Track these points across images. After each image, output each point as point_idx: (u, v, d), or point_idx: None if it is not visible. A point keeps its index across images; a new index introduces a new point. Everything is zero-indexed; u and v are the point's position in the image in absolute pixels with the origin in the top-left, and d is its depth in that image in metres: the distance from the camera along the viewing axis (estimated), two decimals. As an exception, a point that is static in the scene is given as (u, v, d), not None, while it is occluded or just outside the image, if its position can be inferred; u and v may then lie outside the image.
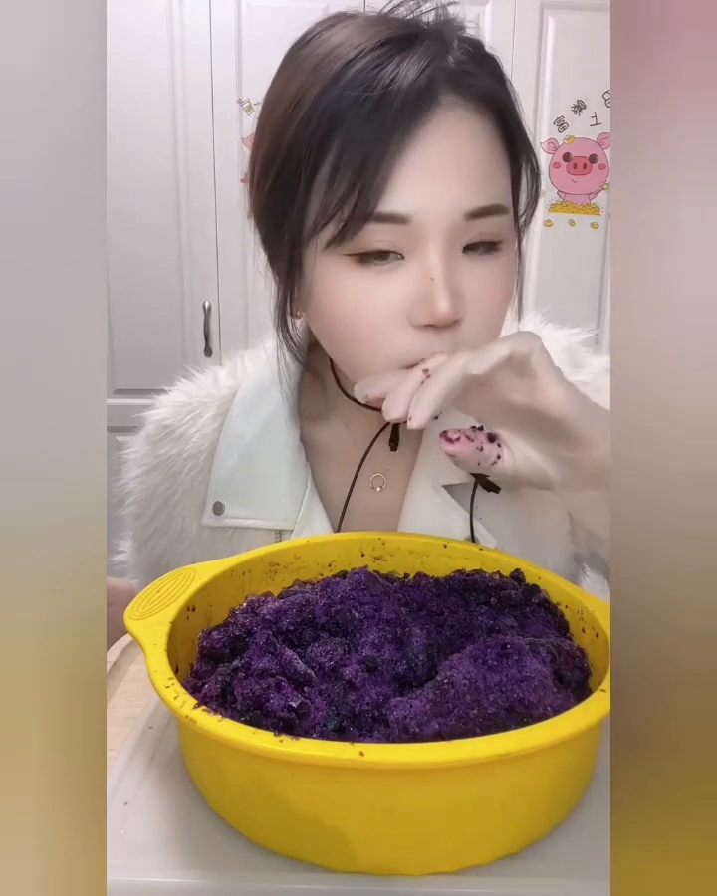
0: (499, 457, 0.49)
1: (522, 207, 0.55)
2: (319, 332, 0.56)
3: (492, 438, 0.49)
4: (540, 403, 0.45)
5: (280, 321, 0.58)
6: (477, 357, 0.44)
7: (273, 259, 0.56)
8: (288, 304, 0.56)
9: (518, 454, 0.49)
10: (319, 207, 0.48)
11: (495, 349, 0.44)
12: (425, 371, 0.46)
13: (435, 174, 0.47)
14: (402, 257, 0.49)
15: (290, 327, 0.59)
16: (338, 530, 0.63)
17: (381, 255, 0.49)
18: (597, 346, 0.69)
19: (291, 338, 0.60)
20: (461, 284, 0.49)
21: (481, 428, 0.50)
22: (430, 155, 0.47)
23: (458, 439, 0.48)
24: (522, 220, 0.56)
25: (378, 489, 0.65)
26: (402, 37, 0.47)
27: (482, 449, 0.48)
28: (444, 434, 0.48)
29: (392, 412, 0.45)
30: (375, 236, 0.48)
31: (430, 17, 0.50)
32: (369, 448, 0.63)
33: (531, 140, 0.53)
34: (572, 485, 0.49)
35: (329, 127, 0.46)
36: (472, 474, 0.62)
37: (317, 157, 0.47)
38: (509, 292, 0.53)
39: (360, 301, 0.50)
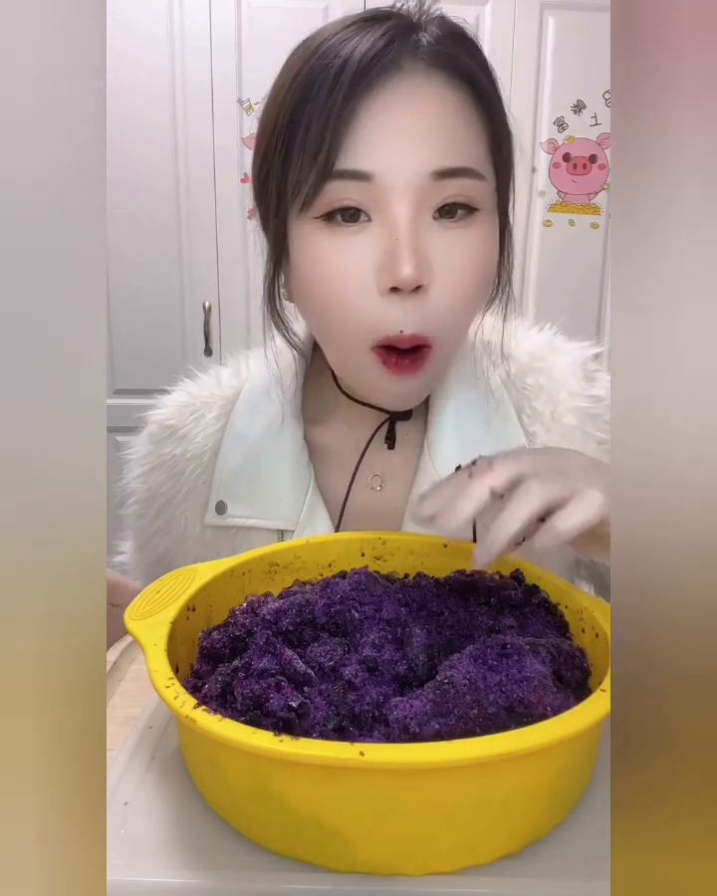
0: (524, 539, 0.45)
1: (502, 180, 0.55)
2: (300, 307, 0.57)
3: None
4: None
5: (267, 295, 0.59)
6: (550, 533, 0.40)
7: (265, 236, 0.57)
8: (276, 280, 0.58)
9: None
10: (293, 176, 0.50)
11: (573, 522, 0.39)
12: (492, 489, 0.41)
13: (398, 133, 0.48)
14: (370, 219, 0.49)
15: (278, 303, 0.60)
16: (338, 530, 0.63)
17: (350, 216, 0.49)
18: (602, 362, 0.69)
19: (281, 318, 0.61)
20: (429, 250, 0.49)
21: None
22: (392, 116, 0.48)
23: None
24: (509, 199, 0.56)
25: (378, 489, 0.65)
26: (373, 17, 0.50)
27: (519, 545, 0.44)
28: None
29: (448, 525, 0.41)
30: (341, 196, 0.49)
31: (418, 14, 0.52)
32: (366, 448, 0.63)
33: (509, 117, 0.54)
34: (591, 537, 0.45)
35: (301, 99, 0.49)
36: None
37: (291, 130, 0.49)
38: (484, 266, 0.53)
39: (330, 264, 0.50)
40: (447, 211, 0.50)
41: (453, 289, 0.50)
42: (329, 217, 0.50)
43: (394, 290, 0.49)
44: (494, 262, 0.54)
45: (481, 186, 0.51)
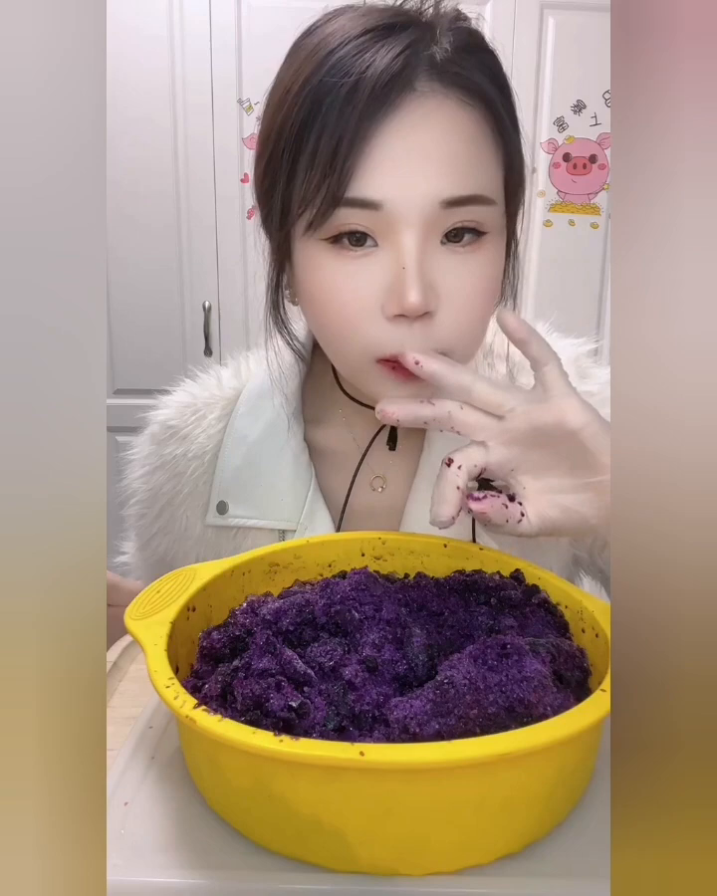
0: (523, 515, 0.46)
1: (512, 201, 0.54)
2: (306, 319, 0.57)
3: (512, 497, 0.47)
4: (556, 416, 0.44)
5: (271, 304, 0.58)
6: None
7: (269, 241, 0.56)
8: (280, 288, 0.57)
9: (545, 503, 0.46)
10: (299, 193, 0.49)
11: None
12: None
13: (409, 161, 0.47)
14: (377, 244, 0.49)
15: (282, 312, 0.59)
16: (339, 530, 0.63)
17: (356, 240, 0.49)
18: (599, 357, 0.69)
19: (284, 324, 0.60)
20: (436, 275, 0.48)
21: (499, 491, 0.48)
22: (403, 142, 0.47)
23: (484, 498, 0.46)
24: (517, 217, 0.55)
25: (379, 490, 0.65)
26: (387, 25, 0.48)
27: (507, 506, 0.46)
28: (470, 495, 0.46)
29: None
30: (348, 222, 0.48)
31: (430, 9, 0.50)
32: (368, 448, 0.63)
33: (522, 135, 0.53)
34: (604, 516, 0.46)
35: (309, 114, 0.47)
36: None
37: (298, 143, 0.48)
38: (491, 287, 0.52)
39: (335, 286, 0.50)
40: (455, 235, 0.49)
41: (459, 312, 0.50)
42: (335, 240, 0.49)
43: (400, 315, 0.48)
44: (500, 277, 0.53)
45: (491, 211, 0.50)
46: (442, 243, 0.49)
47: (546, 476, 0.46)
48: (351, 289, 0.49)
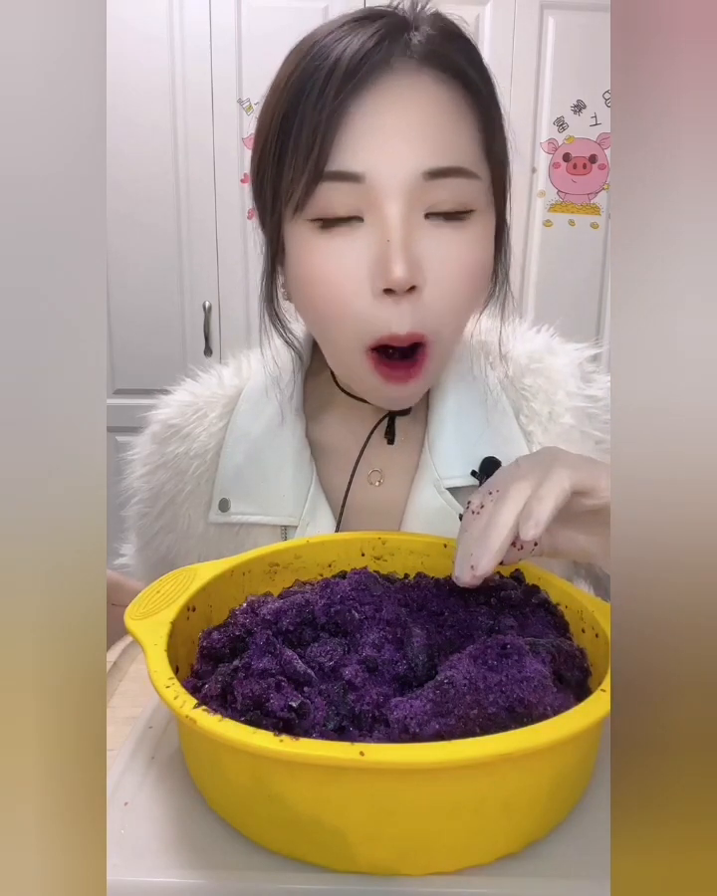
0: (536, 544, 0.46)
1: (497, 180, 0.54)
2: (297, 306, 0.57)
3: None
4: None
5: (265, 296, 0.59)
6: (530, 520, 0.41)
7: (263, 233, 0.57)
8: (273, 279, 0.58)
9: (562, 539, 0.47)
10: (287, 175, 0.50)
11: (546, 504, 0.41)
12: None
13: (388, 134, 0.48)
14: (362, 220, 0.49)
15: (276, 304, 0.60)
16: (340, 526, 0.63)
17: (343, 219, 0.49)
18: (601, 363, 0.69)
19: (279, 318, 0.61)
20: (422, 250, 0.49)
21: None
22: (382, 116, 0.48)
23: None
24: (505, 200, 0.56)
25: (377, 484, 0.65)
26: (365, 16, 0.50)
27: (522, 548, 0.46)
28: None
29: (462, 577, 0.44)
30: (333, 198, 0.49)
31: (411, 13, 0.52)
32: (366, 443, 0.64)
33: (505, 117, 0.54)
34: (603, 537, 0.46)
35: (294, 100, 0.49)
36: (473, 474, 0.62)
37: (285, 129, 0.50)
38: (478, 267, 0.52)
39: (324, 266, 0.50)
40: (440, 211, 0.50)
41: (447, 289, 0.50)
42: (324, 222, 0.50)
43: (388, 291, 0.49)
44: (489, 261, 0.54)
45: (474, 185, 0.50)
46: (427, 218, 0.50)
47: (574, 527, 0.47)
48: (339, 267, 0.50)
